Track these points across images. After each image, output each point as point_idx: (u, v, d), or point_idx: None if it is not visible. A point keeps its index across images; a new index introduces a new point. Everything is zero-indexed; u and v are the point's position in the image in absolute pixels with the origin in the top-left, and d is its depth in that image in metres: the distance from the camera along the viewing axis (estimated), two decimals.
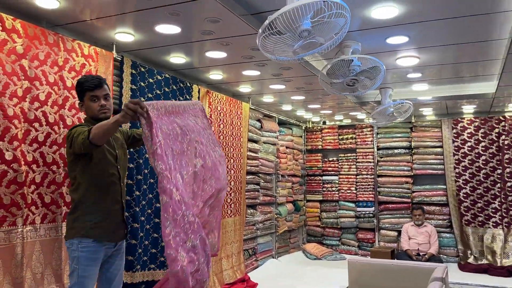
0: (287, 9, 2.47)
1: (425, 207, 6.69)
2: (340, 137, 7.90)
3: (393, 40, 3.69)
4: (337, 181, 7.81)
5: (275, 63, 4.07)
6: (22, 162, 2.69)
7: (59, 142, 2.94)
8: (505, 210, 6.16)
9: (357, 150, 7.68)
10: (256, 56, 3.85)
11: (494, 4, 2.92)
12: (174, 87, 4.23)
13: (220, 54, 3.85)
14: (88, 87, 2.56)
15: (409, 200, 7.03)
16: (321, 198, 7.90)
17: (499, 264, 5.92)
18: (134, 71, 3.72)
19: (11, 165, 2.64)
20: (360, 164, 7.62)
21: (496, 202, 6.20)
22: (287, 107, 6.57)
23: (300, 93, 5.48)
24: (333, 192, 7.79)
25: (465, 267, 6.11)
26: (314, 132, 8.15)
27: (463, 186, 6.48)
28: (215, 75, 4.64)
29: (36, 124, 2.82)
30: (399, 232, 6.85)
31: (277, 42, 2.72)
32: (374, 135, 7.48)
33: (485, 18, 3.15)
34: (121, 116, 2.15)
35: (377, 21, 3.24)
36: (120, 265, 2.69)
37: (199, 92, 4.62)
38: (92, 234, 2.46)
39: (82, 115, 3.04)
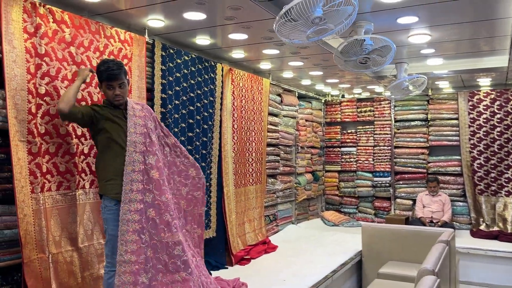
0: None
1: (440, 177, 6.95)
2: (359, 110, 8.15)
3: (403, 20, 3.91)
4: (355, 152, 8.11)
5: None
6: (73, 136, 3.14)
7: None
8: None
9: (375, 122, 7.93)
10: (274, 37, 4.12)
11: None
12: (200, 66, 4.59)
13: (241, 36, 4.16)
14: (105, 77, 2.92)
15: (424, 171, 7.30)
16: (340, 168, 8.23)
17: (509, 231, 6.18)
18: (163, 53, 4.08)
19: (65, 139, 3.10)
20: (378, 136, 7.87)
21: (509, 172, 6.43)
22: (306, 82, 6.85)
23: (318, 69, 5.76)
24: (351, 163, 8.12)
25: (476, 233, 6.41)
26: (333, 105, 8.42)
27: (477, 156, 6.71)
28: (237, 54, 4.96)
29: (83, 103, 3.25)
30: (414, 201, 7.18)
31: (292, 28, 3.04)
32: (392, 108, 7.71)
33: None
34: (79, 75, 2.93)
35: (387, 4, 3.48)
36: None
37: (222, 70, 4.97)
38: (109, 191, 2.89)
39: None
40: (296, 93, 7.28)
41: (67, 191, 3.12)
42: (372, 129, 7.96)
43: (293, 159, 7.14)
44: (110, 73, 2.91)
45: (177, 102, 4.24)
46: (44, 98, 2.96)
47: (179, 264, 2.95)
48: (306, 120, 7.63)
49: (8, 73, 2.71)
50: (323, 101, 8.44)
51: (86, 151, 3.26)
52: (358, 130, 8.12)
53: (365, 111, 8.08)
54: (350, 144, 8.18)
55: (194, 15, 3.52)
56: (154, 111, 3.88)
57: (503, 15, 3.72)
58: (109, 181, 2.91)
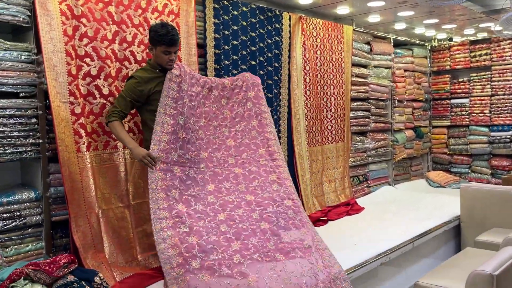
0: None
1: None
2: (472, 54, 7.06)
3: None
4: (467, 104, 7.11)
5: None
6: (117, 96, 3.20)
7: None
8: None
9: (493, 67, 6.80)
10: None
11: None
12: (261, 17, 4.34)
13: None
14: (164, 42, 2.89)
15: None
16: (449, 123, 7.33)
17: None
18: (216, 5, 3.92)
19: (108, 99, 3.18)
20: (496, 83, 6.77)
21: None
22: (400, 26, 6.11)
23: (405, 8, 5.05)
24: (463, 117, 7.15)
25: None
26: (441, 51, 7.42)
27: None
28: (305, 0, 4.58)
29: (126, 63, 3.28)
30: None
31: None
32: None
33: None
34: (133, 153, 2.91)
35: None
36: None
37: (290, 19, 4.63)
38: None
39: None
40: (391, 40, 6.54)
41: (114, 150, 3.23)
42: (489, 75, 6.85)
43: (388, 114, 6.52)
44: (172, 39, 2.93)
45: (235, 57, 4.08)
46: (84, 60, 3.06)
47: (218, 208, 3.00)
48: (405, 70, 6.85)
49: (44, 36, 2.83)
50: (428, 47, 7.48)
51: (132, 111, 3.31)
52: (472, 78, 7.06)
53: (480, 55, 6.96)
54: (462, 94, 7.18)
55: None
56: (207, 68, 3.84)
57: None
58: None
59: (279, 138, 4.54)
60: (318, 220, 4.70)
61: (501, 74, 6.72)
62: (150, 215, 2.81)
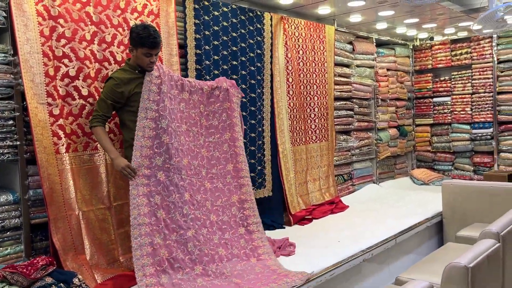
0: None
1: None
2: (453, 53, 7.15)
3: None
4: (449, 102, 7.19)
5: None
6: (96, 97, 3.18)
7: None
8: None
9: (473, 66, 6.89)
10: None
11: None
12: (243, 17, 4.34)
13: None
14: (146, 44, 2.87)
15: None
16: (432, 121, 7.40)
17: None
18: (197, 6, 3.91)
19: (87, 100, 3.15)
20: (477, 81, 6.85)
21: None
22: (381, 26, 6.16)
23: (385, 7, 5.10)
24: (445, 114, 7.23)
25: None
26: (423, 51, 7.50)
27: None
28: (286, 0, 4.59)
29: (106, 63, 3.26)
30: None
31: None
32: (494, 47, 6.59)
33: None
34: (113, 163, 2.91)
35: None
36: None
37: (271, 19, 4.64)
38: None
39: None
40: (374, 40, 6.60)
41: (94, 151, 3.20)
42: (470, 74, 6.94)
43: (372, 113, 6.57)
44: (154, 41, 2.91)
45: (216, 57, 4.08)
46: (62, 60, 3.03)
47: (192, 218, 3.03)
48: (388, 69, 6.92)
49: (20, 37, 2.80)
50: (410, 46, 7.56)
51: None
52: (453, 76, 7.14)
53: (461, 54, 7.05)
54: (444, 93, 7.26)
55: None
56: (188, 68, 3.83)
57: None
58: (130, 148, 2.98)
59: (263, 138, 4.55)
60: (302, 219, 4.71)
61: (481, 72, 6.81)
62: None
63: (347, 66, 6.04)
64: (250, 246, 3.33)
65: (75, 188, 3.05)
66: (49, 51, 2.95)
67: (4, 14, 2.77)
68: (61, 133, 2.99)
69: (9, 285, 2.22)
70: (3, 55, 2.78)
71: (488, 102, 6.71)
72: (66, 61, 3.04)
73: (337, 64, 5.77)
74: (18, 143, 2.84)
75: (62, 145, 3.00)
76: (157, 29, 3.03)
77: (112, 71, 3.26)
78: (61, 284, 2.33)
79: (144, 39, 2.86)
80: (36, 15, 2.88)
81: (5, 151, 2.80)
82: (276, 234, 4.16)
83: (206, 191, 3.29)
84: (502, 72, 6.56)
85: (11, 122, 2.82)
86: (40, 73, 2.89)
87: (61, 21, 3.00)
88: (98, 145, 3.17)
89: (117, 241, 3.23)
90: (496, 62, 6.60)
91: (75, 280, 2.42)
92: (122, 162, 2.85)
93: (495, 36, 6.53)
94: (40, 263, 2.38)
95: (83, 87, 3.12)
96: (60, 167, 2.98)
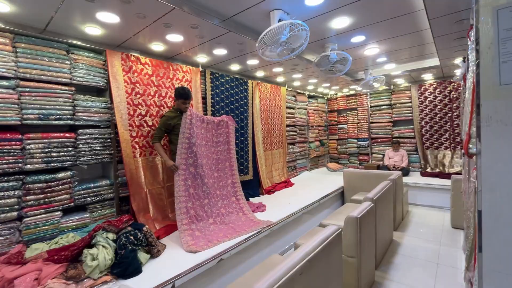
0: (271, 28, 2.40)
1: (400, 140, 6.03)
2: (348, 101, 7.30)
3: (355, 39, 3.30)
4: (346, 127, 7.32)
5: (288, 62, 3.94)
6: (156, 126, 3.13)
7: None
8: (452, 139, 5.28)
9: (358, 108, 7.03)
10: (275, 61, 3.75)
11: (412, 5, 2.46)
12: (236, 82, 4.35)
13: (255, 61, 3.83)
14: (184, 96, 2.86)
15: (390, 136, 6.36)
16: (337, 137, 7.50)
17: (446, 172, 5.19)
18: (212, 76, 3.92)
19: (152, 127, 3.10)
20: (360, 116, 7.00)
21: (446, 134, 5.33)
22: (310, 87, 6.28)
23: (312, 77, 5.20)
24: (344, 134, 7.36)
25: (424, 174, 5.46)
26: (332, 100, 7.64)
27: (424, 125, 5.66)
28: (259, 73, 4.63)
29: (162, 108, 3.22)
30: (383, 155, 6.33)
31: (270, 51, 2.68)
32: (368, 98, 6.78)
33: (408, 16, 2.66)
34: (166, 163, 2.80)
35: (339, 29, 2.94)
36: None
37: (252, 84, 4.68)
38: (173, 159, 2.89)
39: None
40: (307, 94, 6.71)
41: (155, 156, 3.14)
42: (356, 112, 7.11)
43: (306, 133, 6.65)
44: (188, 94, 2.88)
45: (222, 104, 4.07)
46: (138, 106, 2.98)
47: (207, 192, 2.98)
48: (314, 110, 7.03)
49: (114, 93, 2.76)
50: (325, 98, 7.72)
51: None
52: (348, 113, 7.30)
53: (352, 102, 7.21)
54: (343, 122, 7.40)
55: (220, 51, 3.28)
56: (207, 109, 3.79)
57: (424, 27, 2.95)
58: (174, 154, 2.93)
59: (247, 147, 4.54)
60: (269, 191, 4.69)
61: (361, 112, 6.97)
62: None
63: (293, 108, 6.12)
64: (238, 207, 3.29)
65: (144, 176, 2.99)
66: (130, 101, 2.91)
67: (105, 81, 2.74)
68: (137, 146, 2.94)
69: (106, 232, 2.16)
70: (104, 103, 2.74)
71: (366, 127, 6.88)
72: (139, 106, 3.00)
73: (287, 107, 5.83)
74: (112, 151, 2.79)
75: (138, 153, 2.95)
76: (190, 89, 3.02)
77: (165, 112, 3.23)
78: (136, 230, 2.27)
79: (182, 94, 2.86)
80: (123, 81, 2.84)
81: (105, 156, 2.75)
82: (255, 200, 4.13)
83: (214, 178, 3.25)
84: (372, 112, 6.74)
85: (108, 140, 2.78)
86: (125, 113, 2.85)
87: (137, 84, 2.97)
88: (157, 153, 3.14)
89: (167, 205, 3.18)
90: (369, 107, 6.77)
91: (144, 228, 2.37)
92: (170, 163, 2.82)
93: (368, 93, 6.72)
94: (124, 219, 2.32)
95: (149, 121, 3.08)
96: (136, 165, 2.93)
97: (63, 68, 2.51)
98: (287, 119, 5.78)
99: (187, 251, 2.40)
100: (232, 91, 4.26)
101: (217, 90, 3.99)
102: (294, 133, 6.11)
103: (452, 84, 5.32)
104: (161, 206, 3.11)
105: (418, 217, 4.34)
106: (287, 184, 5.20)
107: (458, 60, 4.14)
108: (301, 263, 1.34)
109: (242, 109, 4.45)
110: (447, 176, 5.06)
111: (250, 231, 2.75)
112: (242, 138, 4.40)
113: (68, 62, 2.54)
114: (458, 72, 5.15)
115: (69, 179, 2.53)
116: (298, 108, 6.30)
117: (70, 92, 2.54)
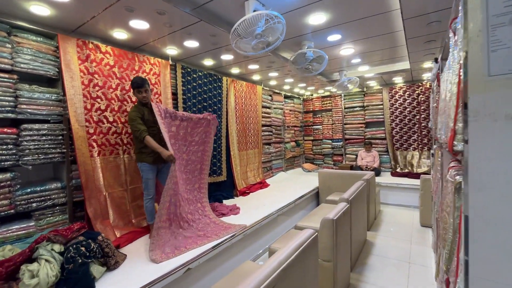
0: (246, 18, 2.25)
1: (372, 141, 6.21)
2: (323, 103, 7.40)
3: (331, 38, 3.27)
4: (321, 128, 7.40)
5: (264, 59, 3.83)
6: (119, 122, 2.86)
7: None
8: (419, 140, 5.54)
9: (332, 109, 7.14)
10: (250, 56, 3.63)
11: (387, 5, 2.46)
12: (210, 79, 4.16)
13: (229, 57, 3.68)
14: (135, 85, 2.60)
15: (363, 137, 6.53)
16: (312, 138, 7.57)
17: (415, 172, 5.42)
18: (183, 71, 3.69)
19: (113, 123, 2.81)
20: (335, 117, 7.11)
21: (414, 136, 5.58)
22: (286, 87, 6.25)
23: (289, 77, 5.16)
24: (319, 134, 7.44)
25: (394, 174, 5.67)
26: (308, 101, 7.69)
27: (394, 127, 5.89)
28: (234, 70, 4.48)
29: (125, 102, 2.94)
30: (356, 156, 6.48)
31: (244, 44, 2.54)
32: (342, 100, 6.91)
33: (382, 16, 2.66)
34: (162, 154, 2.52)
35: (315, 26, 2.87)
36: (166, 173, 2.81)
37: (227, 81, 4.51)
38: (146, 160, 2.62)
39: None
40: (283, 94, 6.67)
41: (116, 155, 2.86)
42: (331, 114, 7.22)
43: (282, 133, 6.61)
44: (139, 82, 2.61)
45: (194, 100, 3.86)
46: (96, 99, 2.68)
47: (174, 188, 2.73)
48: (290, 110, 7.02)
49: (67, 85, 2.44)
50: (302, 98, 7.76)
51: (129, 131, 2.97)
52: (322, 115, 7.40)
53: (327, 103, 7.32)
54: (318, 123, 7.48)
55: (191, 43, 3.08)
56: (178, 106, 3.57)
57: (397, 28, 2.99)
58: (145, 152, 2.66)
59: (221, 147, 4.37)
60: (244, 193, 4.56)
61: (336, 113, 7.08)
62: (140, 195, 2.53)
63: (269, 107, 6.03)
64: (203, 214, 3.09)
65: (103, 178, 2.69)
66: (87, 93, 2.60)
67: (57, 70, 2.41)
68: (94, 144, 2.64)
69: (52, 243, 1.87)
70: (55, 95, 2.42)
71: (340, 128, 7.01)
72: (98, 100, 2.69)
73: (263, 107, 5.74)
74: (64, 150, 2.47)
75: (95, 152, 2.64)
76: (143, 78, 2.68)
77: (129, 107, 2.95)
78: (89, 240, 2.00)
79: (133, 83, 2.61)
80: (79, 71, 2.53)
81: (56, 155, 2.43)
82: (229, 202, 3.98)
83: (183, 179, 3.04)
84: (346, 113, 6.88)
85: (60, 137, 2.45)
86: (80, 107, 2.53)
87: (96, 76, 2.67)
88: (119, 151, 2.85)
89: (130, 210, 2.90)
90: (343, 108, 6.90)
91: (99, 237, 2.10)
92: (168, 153, 2.54)
93: (343, 94, 6.85)
94: (75, 227, 2.04)
95: (109, 116, 2.79)
96: (94, 165, 2.63)
97: (2, 52, 2.15)
98: (263, 119, 5.68)
99: (151, 260, 2.19)
100: (205, 88, 4.05)
101: (189, 86, 3.77)
102: (270, 133, 6.03)
103: (420, 88, 5.58)
104: (123, 211, 2.83)
105: (389, 216, 4.45)
106: (262, 185, 5.10)
107: (427, 64, 4.33)
108: (275, 273, 1.21)
109: (215, 107, 4.26)
110: (415, 176, 5.28)
111: (222, 236, 2.57)
112: (215, 137, 4.21)
113: (9, 46, 2.19)
114: (425, 77, 5.41)
115: (8, 182, 2.17)
116: (274, 108, 6.23)
117: (11, 80, 2.19)
